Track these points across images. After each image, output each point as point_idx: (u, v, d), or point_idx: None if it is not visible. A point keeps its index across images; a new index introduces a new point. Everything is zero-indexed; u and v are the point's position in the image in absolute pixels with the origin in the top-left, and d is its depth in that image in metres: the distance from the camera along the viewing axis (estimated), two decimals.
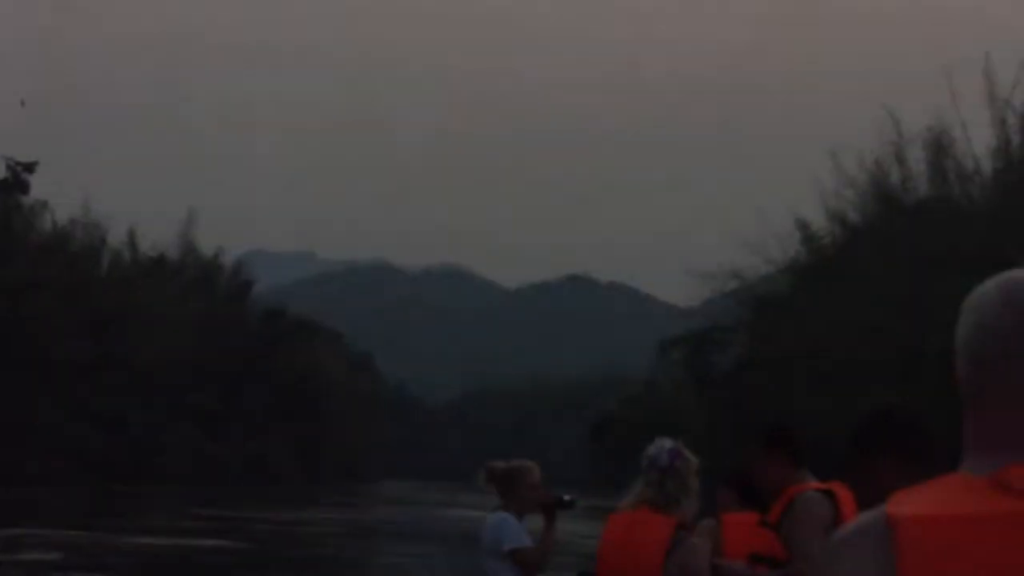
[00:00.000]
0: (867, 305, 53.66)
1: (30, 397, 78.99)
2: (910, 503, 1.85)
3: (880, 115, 61.14)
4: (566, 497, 8.57)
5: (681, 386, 79.32)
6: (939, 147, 58.81)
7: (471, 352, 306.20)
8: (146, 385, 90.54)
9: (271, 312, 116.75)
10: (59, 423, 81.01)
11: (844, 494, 6.62)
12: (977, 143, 57.89)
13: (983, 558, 1.79)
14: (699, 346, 76.31)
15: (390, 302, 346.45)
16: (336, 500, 76.44)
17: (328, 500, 75.30)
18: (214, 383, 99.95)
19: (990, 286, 1.98)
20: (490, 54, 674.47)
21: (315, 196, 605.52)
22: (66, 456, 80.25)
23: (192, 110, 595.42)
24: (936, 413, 5.16)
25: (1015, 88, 55.99)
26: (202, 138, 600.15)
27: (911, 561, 1.80)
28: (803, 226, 65.81)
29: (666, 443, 7.04)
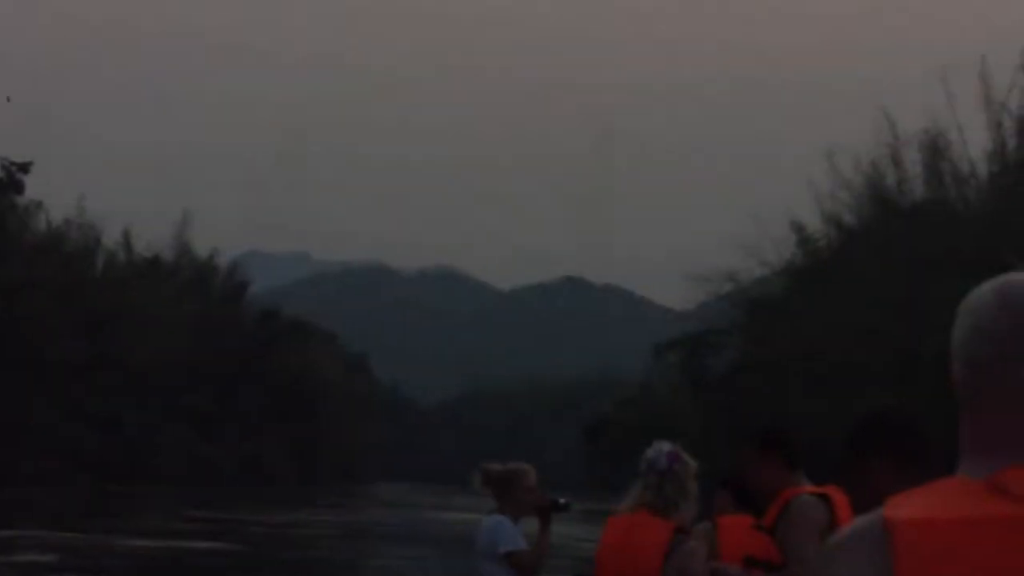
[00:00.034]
0: (863, 308, 53.68)
1: (25, 397, 78.95)
2: (906, 506, 1.85)
3: (876, 117, 61.21)
4: (561, 500, 8.57)
5: (676, 389, 79.26)
6: (935, 150, 58.84)
7: (466, 354, 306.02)
8: (141, 386, 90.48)
9: (266, 313, 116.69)
10: (54, 423, 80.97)
11: (839, 498, 6.61)
12: (973, 146, 57.98)
13: (980, 562, 1.79)
14: (694, 349, 76.27)
15: (385, 303, 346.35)
16: (331, 502, 76.39)
17: (323, 502, 75.26)
18: (209, 384, 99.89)
19: (986, 289, 1.98)
20: (488, 55, 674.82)
21: (310, 197, 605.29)
22: (61, 456, 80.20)
23: (188, 110, 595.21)
24: (932, 416, 5.16)
25: (1011, 91, 56.07)
26: (197, 139, 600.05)
27: (908, 565, 1.80)
28: (799, 228, 65.81)
29: (664, 446, 7.04)
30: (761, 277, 67.45)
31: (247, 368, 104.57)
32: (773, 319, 63.29)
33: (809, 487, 6.81)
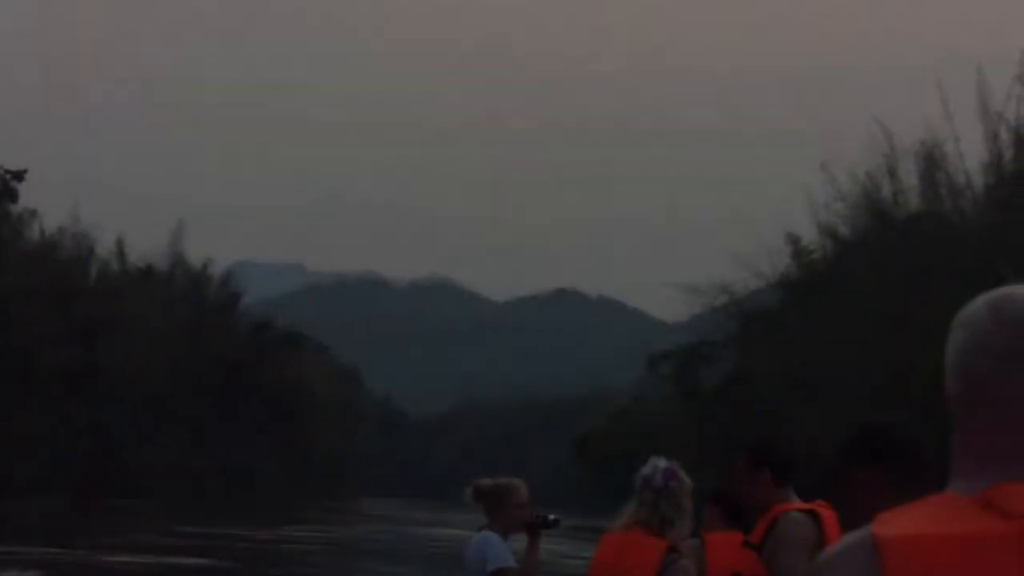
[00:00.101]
0: (858, 320, 53.78)
1: (16, 406, 78.94)
2: (896, 523, 1.84)
3: (872, 128, 61.34)
4: (551, 517, 8.55)
5: (669, 401, 79.33)
6: (931, 161, 58.94)
7: (459, 365, 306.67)
8: (133, 395, 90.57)
9: (259, 324, 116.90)
10: (46, 433, 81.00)
11: (828, 514, 6.60)
12: (969, 158, 58.07)
13: None
14: (687, 361, 76.34)
15: (378, 315, 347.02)
16: (320, 516, 76.39)
17: (312, 516, 75.23)
18: (201, 395, 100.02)
19: (980, 303, 1.98)
20: (482, 67, 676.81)
21: (304, 208, 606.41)
22: (52, 466, 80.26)
23: (182, 121, 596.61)
24: (926, 430, 5.13)
25: (1008, 102, 56.17)
26: (192, 149, 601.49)
27: None
28: (794, 240, 65.91)
29: (660, 463, 7.01)
30: (756, 289, 67.57)
31: (239, 379, 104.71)
32: (767, 331, 63.41)
33: (797, 503, 6.79)
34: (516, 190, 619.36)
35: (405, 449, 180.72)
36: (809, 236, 65.60)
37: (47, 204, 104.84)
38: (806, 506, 6.76)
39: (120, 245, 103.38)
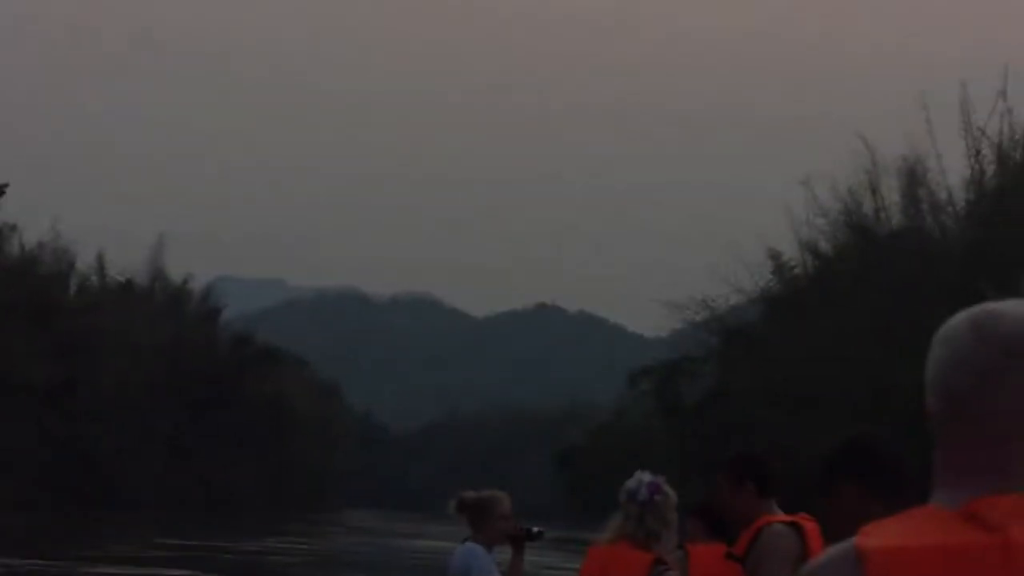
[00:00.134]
0: (839, 335, 53.76)
1: None
2: (880, 535, 1.86)
3: (854, 144, 61.29)
4: (535, 529, 8.58)
5: (650, 416, 79.27)
6: (913, 177, 58.93)
7: (439, 381, 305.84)
8: (113, 410, 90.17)
9: (239, 339, 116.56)
10: (24, 448, 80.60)
11: (811, 526, 6.61)
12: (951, 174, 58.03)
13: None
14: (668, 376, 76.25)
15: (358, 330, 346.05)
16: (302, 529, 76.16)
17: (294, 529, 75.01)
18: (181, 409, 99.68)
19: (961, 319, 1.99)
20: (466, 82, 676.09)
21: (284, 223, 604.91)
22: (31, 481, 79.85)
23: (160, 135, 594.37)
24: (907, 444, 5.16)
25: (990, 119, 56.17)
26: (171, 164, 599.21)
27: None
28: (775, 256, 65.84)
29: (645, 477, 7.03)
30: (736, 304, 67.50)
31: (219, 393, 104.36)
32: (748, 347, 63.37)
33: (781, 516, 6.81)
34: (496, 204, 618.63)
35: (386, 464, 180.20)
36: (790, 252, 65.59)
37: (27, 219, 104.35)
38: (789, 518, 6.77)
39: (100, 260, 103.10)
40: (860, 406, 47.88)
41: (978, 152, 56.31)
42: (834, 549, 1.90)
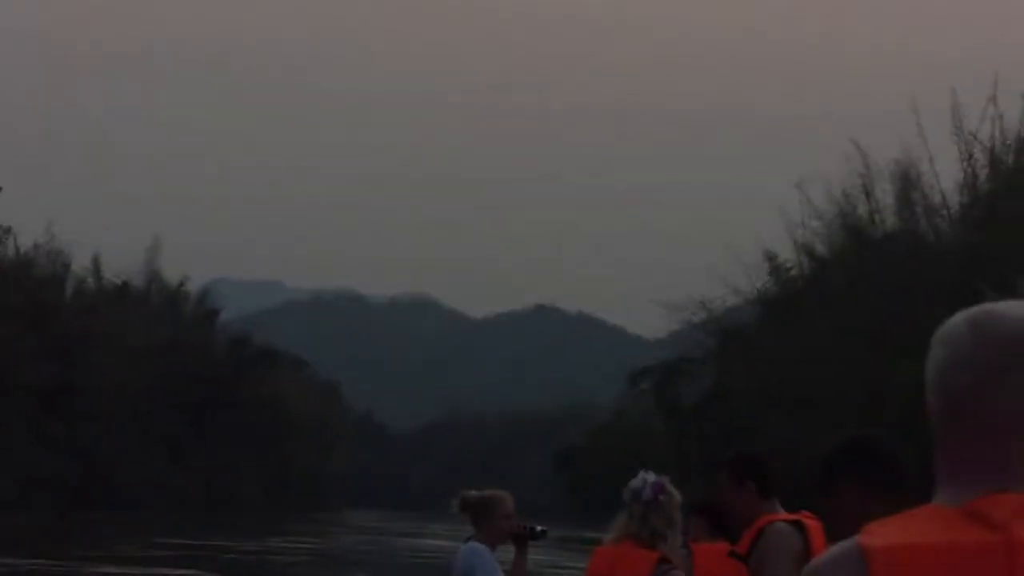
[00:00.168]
0: (835, 337, 53.80)
1: None
2: (884, 533, 1.87)
3: (848, 147, 61.40)
4: (538, 528, 8.60)
5: (650, 416, 79.22)
6: (906, 180, 59.06)
7: (438, 382, 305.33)
8: (110, 412, 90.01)
9: (237, 340, 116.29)
10: (23, 450, 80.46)
11: (813, 525, 6.63)
12: (944, 177, 58.16)
13: None
14: (667, 377, 76.22)
15: (356, 331, 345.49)
16: (302, 529, 76.00)
17: (294, 529, 74.88)
18: (179, 411, 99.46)
19: (960, 319, 2.01)
20: (465, 83, 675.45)
21: (281, 225, 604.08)
22: (30, 483, 79.71)
23: (157, 137, 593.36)
24: (905, 444, 5.21)
25: (982, 123, 56.29)
26: (167, 166, 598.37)
27: None
28: (771, 258, 65.91)
29: (649, 477, 7.04)
30: (734, 306, 67.56)
31: (217, 395, 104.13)
32: (746, 348, 63.38)
33: (783, 514, 6.82)
34: (495, 205, 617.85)
35: (385, 464, 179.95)
36: (786, 254, 65.68)
37: (22, 221, 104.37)
38: (792, 517, 6.79)
39: (96, 262, 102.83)
40: (856, 406, 47.93)
41: (971, 156, 56.52)
42: (837, 547, 1.92)
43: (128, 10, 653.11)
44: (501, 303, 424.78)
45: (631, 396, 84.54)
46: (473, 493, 8.58)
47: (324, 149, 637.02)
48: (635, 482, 7.03)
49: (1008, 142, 56.37)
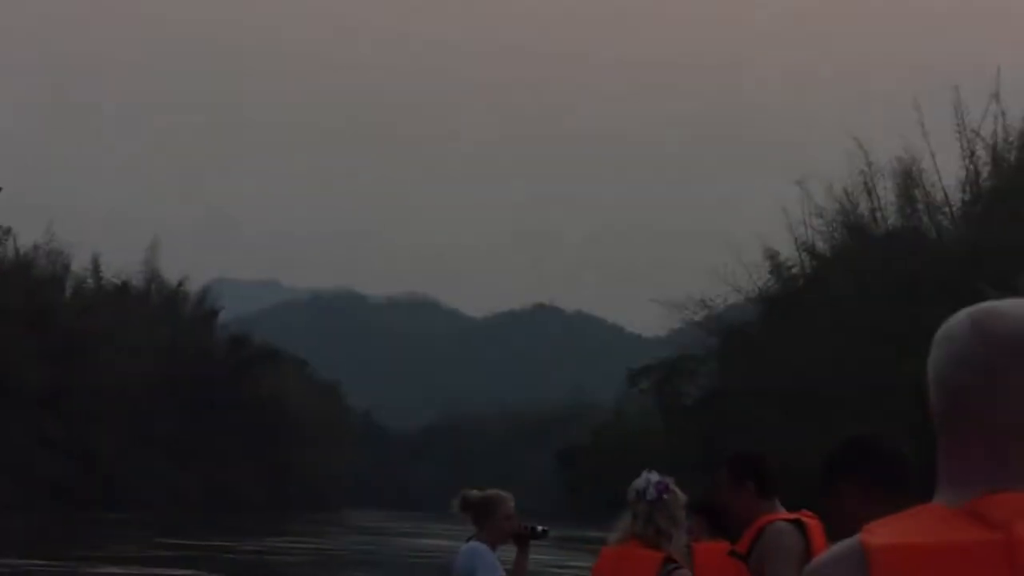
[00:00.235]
0: (836, 334, 53.81)
1: None
2: (885, 533, 1.87)
3: (850, 145, 61.42)
4: (539, 528, 8.61)
5: (650, 415, 79.21)
6: (908, 178, 59.08)
7: (438, 381, 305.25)
8: (110, 412, 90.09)
9: (236, 339, 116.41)
10: (23, 450, 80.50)
11: (814, 524, 6.63)
12: (946, 174, 58.20)
13: None
14: (668, 375, 76.22)
15: (356, 330, 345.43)
16: (303, 529, 76.02)
17: (295, 529, 74.89)
18: (179, 411, 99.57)
19: (963, 317, 2.00)
20: (465, 80, 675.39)
21: (280, 224, 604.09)
22: (30, 483, 79.74)
23: (157, 138, 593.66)
24: (907, 442, 5.20)
25: (984, 121, 56.37)
26: (165, 167, 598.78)
27: None
28: (772, 256, 65.89)
29: (653, 476, 7.03)
30: (735, 304, 67.57)
31: (217, 395, 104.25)
32: (747, 345, 63.39)
33: (783, 514, 6.82)
34: (490, 204, 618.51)
35: (386, 464, 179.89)
36: (788, 252, 65.67)
37: (21, 222, 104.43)
38: (792, 516, 6.79)
39: (95, 262, 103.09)
40: (857, 405, 47.92)
41: (972, 153, 56.61)
42: (838, 546, 1.92)
43: (126, 8, 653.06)
44: (500, 302, 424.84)
45: (631, 395, 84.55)
46: (474, 493, 8.59)
47: (321, 148, 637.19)
48: (639, 482, 7.02)
49: (1010, 139, 56.51)
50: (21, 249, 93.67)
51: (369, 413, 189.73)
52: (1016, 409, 1.92)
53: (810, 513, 6.70)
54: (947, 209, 58.47)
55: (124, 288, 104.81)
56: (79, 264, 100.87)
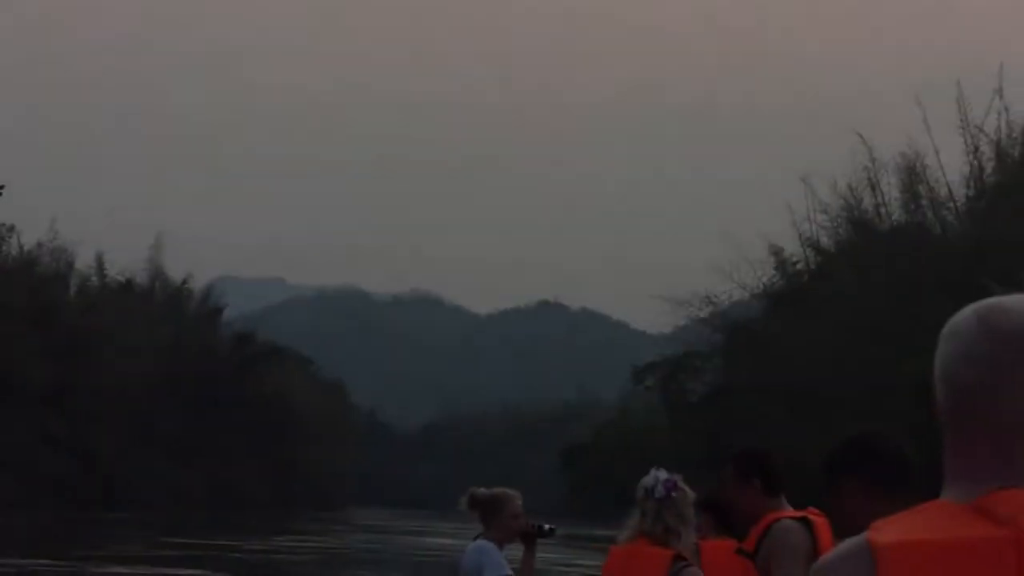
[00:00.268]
0: (841, 330, 53.74)
1: None
2: (892, 530, 1.88)
3: (853, 140, 61.36)
4: (547, 526, 8.61)
5: (655, 412, 79.11)
6: (912, 173, 59.01)
7: (442, 378, 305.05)
8: (114, 410, 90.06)
9: (240, 337, 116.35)
10: (25, 449, 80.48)
11: (820, 521, 6.63)
12: (950, 170, 58.12)
13: None
14: (673, 372, 76.12)
15: (360, 328, 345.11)
16: (307, 528, 76.07)
17: (299, 528, 74.93)
18: (183, 409, 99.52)
19: (969, 313, 2.01)
20: (466, 78, 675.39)
21: (284, 222, 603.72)
22: (33, 482, 79.71)
23: (159, 134, 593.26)
24: (911, 439, 5.21)
25: (987, 115, 56.31)
26: (169, 164, 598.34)
27: None
28: (777, 252, 65.81)
29: (661, 474, 7.02)
30: (739, 300, 67.51)
31: (221, 393, 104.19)
32: (752, 342, 63.31)
33: (790, 511, 6.82)
34: (495, 201, 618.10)
35: (391, 461, 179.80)
36: (792, 248, 65.60)
37: (25, 219, 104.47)
38: (798, 514, 6.78)
39: (99, 260, 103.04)
40: (862, 401, 47.87)
41: (976, 149, 56.52)
42: (845, 544, 1.92)
43: (127, 8, 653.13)
44: (504, 299, 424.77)
45: (635, 392, 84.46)
46: (482, 491, 8.59)
47: (324, 145, 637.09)
48: (647, 479, 7.01)
49: (1014, 135, 56.46)
50: (25, 247, 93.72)
51: (374, 411, 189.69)
52: (1022, 406, 1.92)
53: (817, 511, 6.70)
54: (951, 205, 58.39)
55: (128, 286, 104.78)
56: (83, 262, 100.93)
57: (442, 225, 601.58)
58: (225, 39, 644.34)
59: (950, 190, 58.21)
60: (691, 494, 7.05)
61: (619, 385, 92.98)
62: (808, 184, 62.33)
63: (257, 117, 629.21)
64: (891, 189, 60.41)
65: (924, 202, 58.95)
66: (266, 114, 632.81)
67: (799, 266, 65.69)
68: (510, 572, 8.30)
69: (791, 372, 55.86)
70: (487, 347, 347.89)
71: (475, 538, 8.46)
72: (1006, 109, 56.18)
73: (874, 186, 60.73)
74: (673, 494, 6.95)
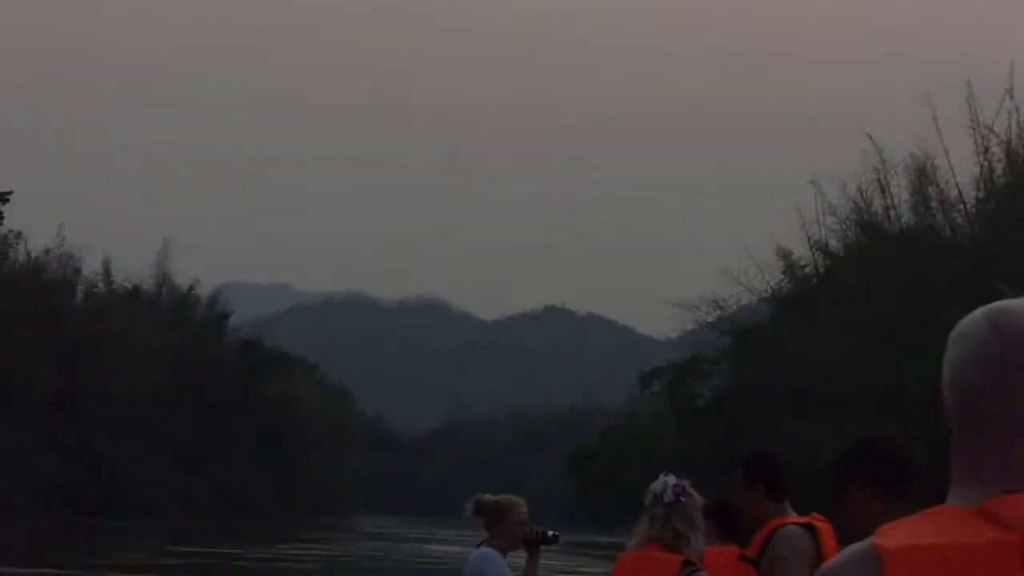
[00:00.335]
0: (850, 334, 53.72)
1: (2, 428, 78.61)
2: (898, 534, 1.86)
3: (863, 142, 61.34)
4: (550, 533, 8.61)
5: (662, 418, 79.12)
6: (922, 175, 58.99)
7: (449, 384, 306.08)
8: (120, 417, 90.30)
9: (247, 344, 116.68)
10: (31, 454, 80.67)
11: (824, 527, 6.61)
12: (960, 171, 58.09)
13: None
14: (680, 377, 76.09)
15: (366, 334, 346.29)
16: (313, 535, 76.21)
17: (305, 535, 75.07)
18: (189, 415, 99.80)
19: (978, 316, 1.99)
20: (468, 83, 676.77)
21: (290, 229, 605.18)
22: (39, 488, 79.90)
23: (168, 142, 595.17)
24: (920, 443, 5.18)
25: (998, 117, 56.31)
26: (177, 170, 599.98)
27: None
28: (785, 255, 65.78)
29: (670, 480, 7.01)
30: (747, 304, 67.46)
31: (228, 400, 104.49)
32: (760, 346, 63.28)
33: (794, 517, 6.80)
34: (502, 207, 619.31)
35: (397, 468, 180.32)
36: (801, 251, 65.56)
37: (32, 225, 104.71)
38: (802, 519, 6.77)
39: (106, 266, 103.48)
40: (871, 404, 47.87)
41: (987, 150, 56.48)
42: (851, 549, 1.91)
43: (131, 14, 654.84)
44: (511, 305, 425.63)
45: (643, 396, 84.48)
46: (488, 497, 8.58)
47: (329, 151, 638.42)
48: (656, 484, 7.01)
49: None
50: (32, 253, 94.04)
51: (380, 417, 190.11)
52: None
53: (820, 516, 6.68)
54: (961, 206, 58.37)
55: (135, 292, 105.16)
56: (90, 268, 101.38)
57: (449, 231, 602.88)
58: (225, 39, 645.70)
59: (960, 192, 58.20)
60: (700, 499, 7.04)
61: (626, 390, 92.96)
62: (817, 186, 62.35)
63: (263, 122, 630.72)
64: (901, 191, 60.42)
65: (934, 204, 58.92)
66: (272, 119, 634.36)
67: (808, 269, 65.65)
68: None
69: (800, 376, 55.84)
70: (493, 353, 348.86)
71: (478, 545, 8.45)
72: (1017, 109, 56.23)
73: (884, 188, 60.72)
74: (682, 499, 6.94)
